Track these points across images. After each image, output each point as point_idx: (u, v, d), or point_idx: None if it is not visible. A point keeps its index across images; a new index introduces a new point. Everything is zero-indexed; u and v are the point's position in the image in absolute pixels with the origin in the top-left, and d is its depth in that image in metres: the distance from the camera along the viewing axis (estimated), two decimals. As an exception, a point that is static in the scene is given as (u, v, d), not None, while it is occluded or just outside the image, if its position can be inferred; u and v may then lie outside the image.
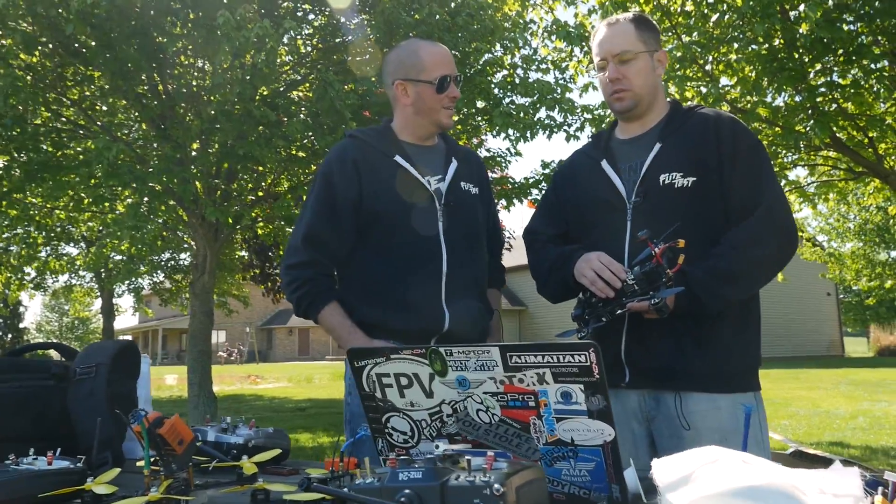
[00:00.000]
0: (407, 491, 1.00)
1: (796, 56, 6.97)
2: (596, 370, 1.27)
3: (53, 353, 2.20)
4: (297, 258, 2.35)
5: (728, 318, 2.02)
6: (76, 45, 7.03)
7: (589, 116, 8.44)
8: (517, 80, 8.63)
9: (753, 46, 6.84)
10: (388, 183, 2.32)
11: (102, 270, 18.13)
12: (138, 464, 1.47)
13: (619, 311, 1.93)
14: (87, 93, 8.21)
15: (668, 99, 2.28)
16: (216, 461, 1.71)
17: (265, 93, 7.56)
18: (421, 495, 0.99)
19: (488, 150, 10.25)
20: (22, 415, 1.70)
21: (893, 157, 8.92)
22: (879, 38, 7.22)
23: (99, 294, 22.06)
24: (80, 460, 1.39)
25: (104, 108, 8.73)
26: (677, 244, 1.82)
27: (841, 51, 6.86)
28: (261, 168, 8.69)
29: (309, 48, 8.99)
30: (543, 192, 2.61)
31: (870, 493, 1.08)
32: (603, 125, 8.14)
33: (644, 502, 1.36)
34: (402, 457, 1.09)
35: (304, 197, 9.26)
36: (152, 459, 1.33)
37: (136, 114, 8.39)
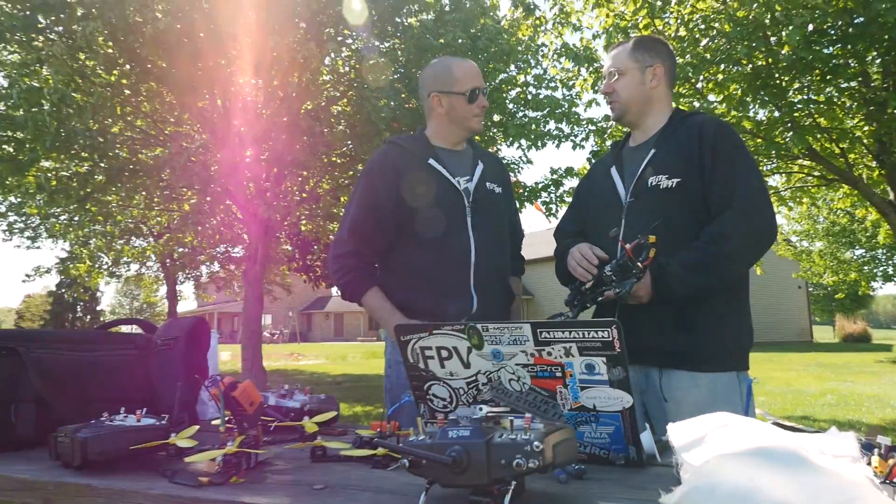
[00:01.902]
0: (456, 447, 0.99)
1: (776, 75, 6.88)
2: (617, 345, 1.25)
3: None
4: (343, 248, 2.35)
5: (709, 304, 1.95)
6: (149, 65, 7.09)
7: (593, 128, 8.38)
8: (529, 97, 8.58)
9: (738, 67, 6.76)
10: (423, 183, 2.32)
11: (168, 260, 18.29)
12: (214, 422, 1.48)
13: (599, 299, 1.94)
14: (158, 106, 8.28)
15: (674, 107, 2.25)
16: (277, 421, 1.71)
17: (309, 107, 7.57)
18: (469, 450, 0.98)
19: (503, 158, 10.22)
20: (112, 379, 1.71)
21: (861, 166, 8.79)
22: (851, 60, 7.11)
23: (164, 281, 22.27)
24: (165, 418, 1.39)
25: (172, 119, 8.81)
26: (647, 240, 1.79)
27: (818, 71, 6.76)
28: (305, 172, 8.71)
29: (347, 68, 9.00)
30: (567, 194, 2.64)
31: (865, 454, 1.06)
32: (605, 135, 8.10)
33: (659, 461, 1.35)
34: (450, 417, 1.08)
35: (342, 198, 9.34)
36: (227, 418, 1.33)
37: (199, 125, 8.45)
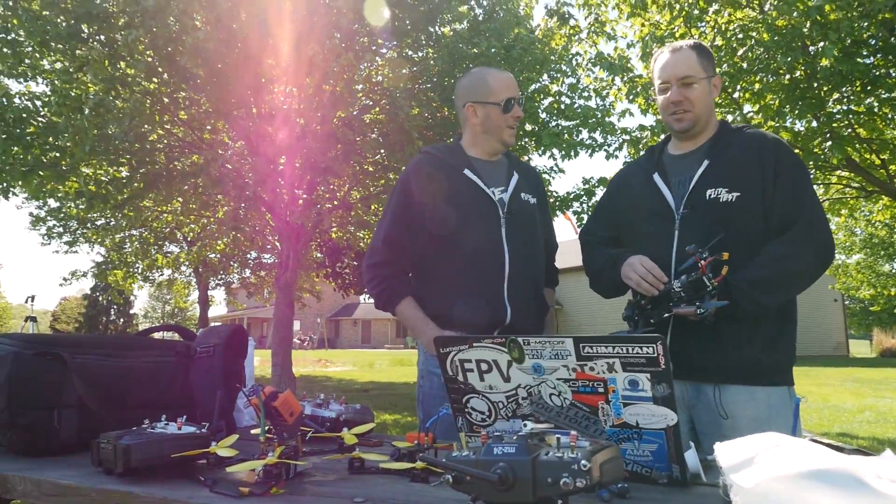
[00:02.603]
0: (501, 464, 0.97)
1: (815, 86, 6.75)
2: (662, 361, 1.23)
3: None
4: (377, 258, 2.35)
5: (766, 320, 1.95)
6: (188, 74, 7.22)
7: (627, 138, 8.29)
8: (562, 106, 8.54)
9: (777, 77, 6.64)
10: (457, 193, 2.31)
11: (200, 266, 18.56)
12: (254, 431, 1.48)
13: (665, 315, 1.89)
14: (195, 114, 8.43)
15: (718, 119, 2.21)
16: (313, 432, 1.71)
17: (343, 115, 7.63)
18: (514, 468, 0.96)
19: (534, 167, 10.19)
20: (152, 385, 1.73)
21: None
22: (892, 70, 6.94)
23: (196, 287, 22.61)
24: (205, 426, 1.40)
25: (208, 127, 8.96)
26: (721, 257, 1.77)
27: (858, 82, 6.61)
28: (337, 180, 8.79)
29: (381, 77, 9.07)
30: (600, 197, 2.53)
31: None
32: (640, 145, 8.01)
33: (703, 481, 1.31)
34: (494, 433, 1.06)
35: (373, 206, 9.39)
36: (267, 428, 1.34)
37: (234, 133, 8.58)
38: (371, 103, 9.17)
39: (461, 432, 1.48)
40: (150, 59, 6.88)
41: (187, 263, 16.39)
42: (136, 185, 7.97)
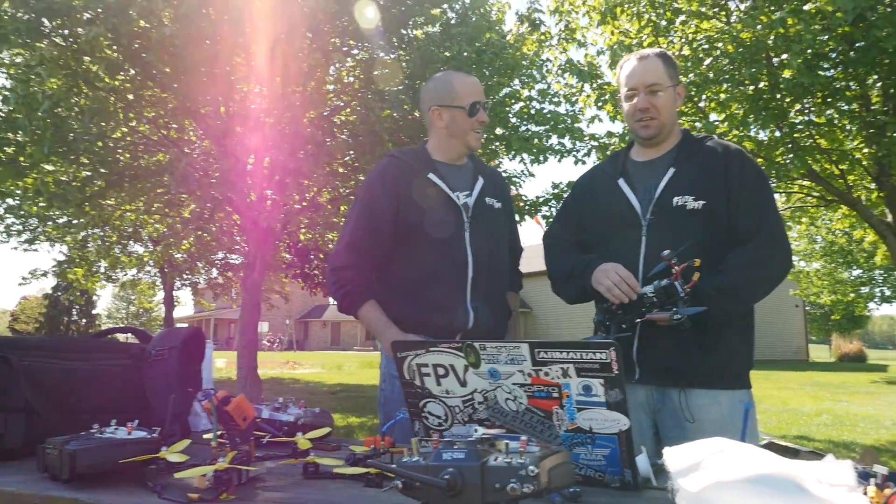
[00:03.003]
0: (450, 469, 0.97)
1: (778, 97, 6.91)
2: (615, 367, 1.24)
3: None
4: (341, 262, 2.34)
5: (729, 326, 2.00)
6: (154, 71, 7.09)
7: (595, 144, 8.38)
8: (532, 111, 8.60)
9: (741, 88, 6.78)
10: (421, 197, 2.31)
11: (165, 266, 18.22)
12: (205, 436, 1.46)
13: (638, 321, 1.92)
14: (161, 112, 8.28)
15: (681, 128, 2.25)
16: (270, 436, 1.69)
17: (313, 116, 7.57)
18: (463, 473, 0.96)
19: (504, 172, 10.23)
20: (104, 389, 1.69)
21: (860, 188, 8.81)
22: (851, 83, 7.14)
23: (161, 287, 22.19)
24: (156, 431, 1.38)
25: (174, 125, 8.81)
26: (693, 263, 1.81)
27: (819, 94, 6.79)
28: (307, 182, 8.71)
29: (352, 78, 9.02)
30: (563, 201, 2.54)
31: (862, 484, 1.04)
32: (608, 151, 8.10)
33: (654, 486, 1.33)
34: (445, 438, 1.07)
35: (343, 208, 9.33)
36: (219, 433, 1.32)
37: (201, 131, 8.45)
38: (342, 104, 9.12)
39: (414, 437, 1.48)
40: (114, 56, 6.74)
41: (152, 263, 16.08)
42: (97, 183, 7.79)
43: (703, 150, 2.10)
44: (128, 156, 8.30)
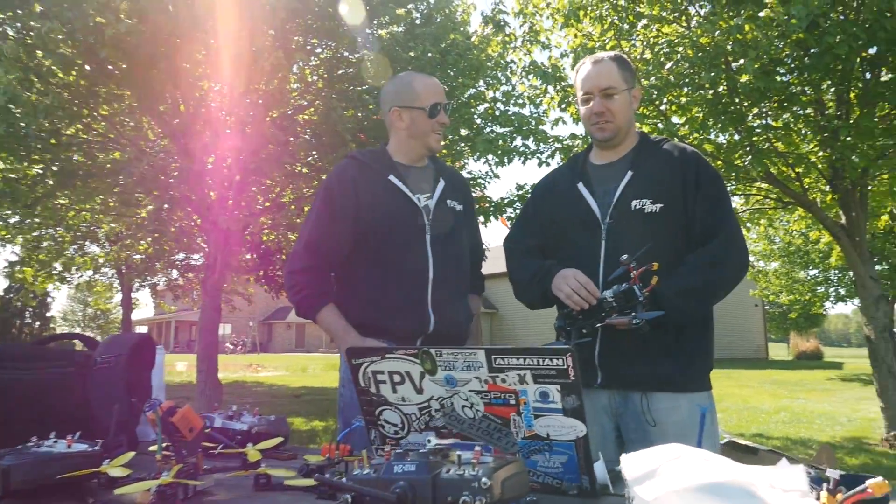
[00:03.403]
0: (401, 482, 0.95)
1: (737, 101, 7.05)
2: (572, 373, 1.23)
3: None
4: (298, 264, 2.30)
5: (689, 329, 2.02)
6: (109, 66, 6.91)
7: (559, 146, 8.43)
8: (497, 113, 8.62)
9: (701, 91, 6.90)
10: (382, 199, 2.28)
11: (123, 267, 17.79)
12: (151, 448, 1.41)
13: (598, 326, 1.92)
14: (117, 109, 8.06)
15: (638, 130, 2.26)
16: (222, 446, 1.64)
17: (275, 115, 7.47)
18: (414, 487, 0.94)
19: (469, 173, 10.24)
20: (45, 400, 1.62)
21: (816, 191, 9.05)
22: (806, 88, 7.33)
23: (119, 288, 21.64)
24: (98, 444, 1.32)
25: (131, 123, 8.59)
26: (651, 267, 1.81)
27: (776, 98, 6.95)
28: (269, 182, 8.58)
29: (315, 77, 8.92)
30: (523, 204, 2.55)
31: (814, 489, 1.05)
32: (571, 153, 8.17)
33: (611, 492, 1.32)
34: (396, 450, 1.04)
35: (305, 208, 9.23)
36: (164, 445, 1.27)
37: (160, 130, 8.26)
38: (305, 104, 9.02)
39: (366, 448, 1.45)
40: (68, 51, 6.54)
41: (108, 264, 15.68)
42: (49, 182, 7.54)
43: (660, 152, 2.11)
44: (82, 154, 8.06)
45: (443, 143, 2.43)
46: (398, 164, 2.37)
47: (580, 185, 2.16)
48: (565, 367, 1.24)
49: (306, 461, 1.44)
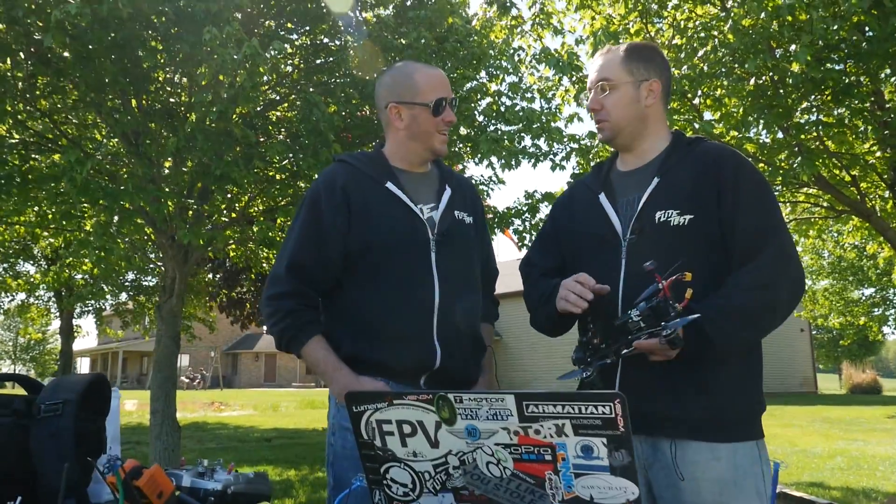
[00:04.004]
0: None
1: (782, 93, 7.07)
2: (621, 423, 1.20)
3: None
4: (279, 288, 2.27)
5: (728, 363, 1.95)
6: (50, 55, 6.88)
7: (575, 146, 8.44)
8: (502, 108, 8.63)
9: (740, 83, 6.92)
10: (378, 211, 2.27)
11: (63, 290, 17.73)
12: (110, 517, 1.36)
13: (625, 351, 1.84)
14: (59, 105, 8.03)
15: (672, 129, 2.24)
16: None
17: (243, 111, 7.46)
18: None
19: (470, 178, 10.25)
20: (-21, 456, 1.57)
21: (874, 197, 9.09)
22: (862, 78, 7.38)
23: (58, 314, 21.55)
24: (45, 512, 1.27)
25: (75, 121, 8.55)
26: (684, 277, 1.76)
27: (829, 91, 6.97)
28: (235, 189, 8.55)
29: (290, 68, 8.93)
30: (543, 223, 2.54)
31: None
32: (591, 155, 8.18)
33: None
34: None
35: (279, 220, 9.21)
36: (127, 513, 1.22)
37: (108, 129, 8.23)
38: (278, 98, 9.01)
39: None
40: (2, 36, 6.52)
41: (45, 286, 15.60)
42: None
43: (693, 155, 2.09)
44: (16, 157, 8.02)
45: (446, 147, 2.40)
46: (397, 169, 2.36)
47: (601, 197, 2.15)
48: (613, 415, 1.20)
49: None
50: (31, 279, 14.69)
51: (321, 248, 2.25)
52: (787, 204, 9.97)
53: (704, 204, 1.98)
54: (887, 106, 7.58)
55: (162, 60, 7.12)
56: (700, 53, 6.85)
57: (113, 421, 1.99)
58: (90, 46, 6.54)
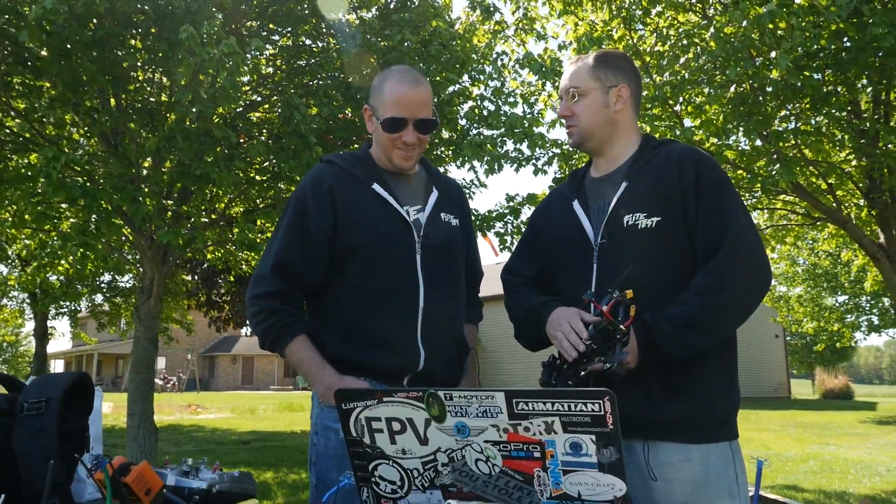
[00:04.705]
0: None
1: (761, 101, 7.15)
2: (610, 420, 1.21)
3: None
4: (264, 288, 2.25)
5: (699, 364, 1.96)
6: (27, 53, 6.80)
7: (558, 151, 8.47)
8: (485, 113, 8.65)
9: (720, 91, 6.97)
10: (364, 212, 2.26)
11: (37, 291, 17.47)
12: (96, 514, 1.35)
13: (582, 374, 1.84)
14: (35, 104, 7.93)
15: (643, 133, 2.27)
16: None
17: (223, 112, 7.41)
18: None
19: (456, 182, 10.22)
20: (-40, 455, 1.55)
21: (850, 205, 9.22)
22: (839, 87, 7.48)
23: (31, 316, 21.22)
24: (30, 509, 1.25)
25: (52, 120, 8.45)
26: (624, 297, 1.78)
27: (807, 99, 7.05)
28: (217, 190, 8.49)
29: (271, 69, 8.89)
30: (523, 230, 2.56)
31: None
32: (573, 161, 8.22)
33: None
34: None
35: (259, 222, 9.15)
36: (115, 510, 1.21)
37: (86, 129, 8.14)
38: (260, 99, 8.97)
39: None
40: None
41: (19, 287, 15.36)
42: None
43: (658, 157, 2.12)
44: (-8, 156, 7.92)
45: (411, 163, 2.35)
46: (384, 170, 2.34)
47: (574, 203, 2.17)
48: (602, 412, 1.21)
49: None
50: (6, 280, 14.45)
51: (307, 248, 2.24)
52: (766, 211, 10.09)
53: (670, 206, 2.00)
54: (864, 115, 7.69)
55: (141, 60, 7.05)
56: (682, 60, 6.90)
57: (95, 421, 1.96)
58: (67, 45, 6.47)
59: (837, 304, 28.08)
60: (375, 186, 2.28)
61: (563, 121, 2.22)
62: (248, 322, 2.68)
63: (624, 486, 1.24)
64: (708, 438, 1.95)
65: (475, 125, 8.74)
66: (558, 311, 1.95)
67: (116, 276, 16.68)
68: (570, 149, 8.34)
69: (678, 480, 1.91)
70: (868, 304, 26.87)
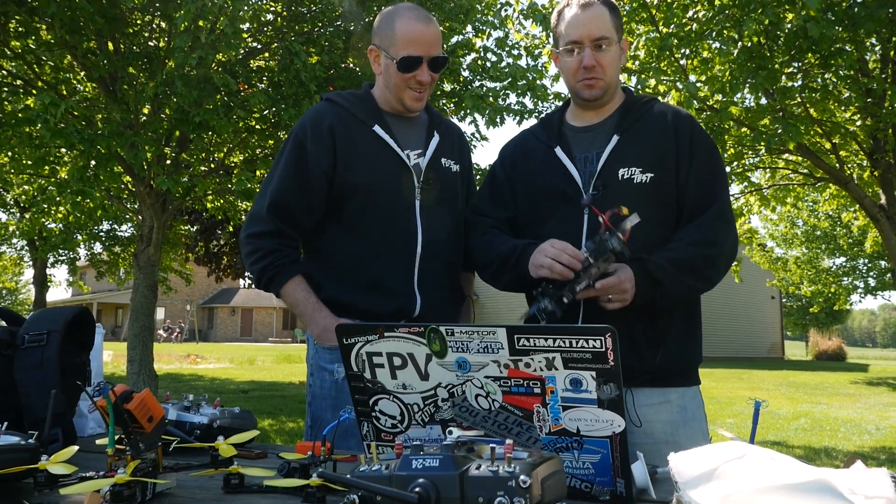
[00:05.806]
0: (421, 480, 0.91)
1: (769, 56, 7.00)
2: (611, 356, 1.21)
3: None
4: (260, 227, 2.22)
5: (677, 318, 2.06)
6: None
7: (561, 104, 8.37)
8: (488, 65, 8.54)
9: (731, 43, 6.81)
10: (364, 154, 2.22)
11: (36, 238, 17.46)
12: (98, 442, 1.35)
13: (579, 288, 1.83)
14: (32, 46, 7.81)
15: (623, 86, 2.24)
16: (177, 442, 1.60)
17: (222, 58, 7.30)
18: (438, 485, 0.90)
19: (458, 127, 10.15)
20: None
21: (853, 165, 9.16)
22: (848, 46, 7.34)
23: (31, 263, 21.25)
24: (32, 436, 1.26)
25: (50, 63, 8.34)
26: (620, 211, 1.79)
27: (817, 55, 6.90)
28: (216, 138, 8.42)
29: (271, 16, 8.74)
30: (490, 169, 2.45)
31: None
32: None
33: (652, 498, 1.31)
34: (413, 442, 1.00)
35: (259, 171, 9.10)
36: (117, 438, 1.21)
37: (83, 73, 8.04)
38: (260, 46, 8.83)
39: (367, 441, 1.41)
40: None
41: (19, 234, 15.35)
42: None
43: (650, 115, 2.11)
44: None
45: (422, 104, 2.30)
46: (386, 112, 2.30)
47: (558, 150, 2.12)
48: (604, 349, 1.21)
49: (285, 459, 1.40)
50: (5, 226, 14.44)
51: (304, 189, 2.20)
52: (767, 170, 10.02)
53: (664, 164, 2.04)
54: (871, 74, 7.59)
55: (139, 2, 6.92)
56: (690, 13, 6.77)
57: (96, 356, 1.97)
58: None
59: (835, 267, 28.08)
60: (377, 128, 2.24)
61: (584, 72, 2.07)
62: (243, 261, 2.63)
63: (622, 421, 1.24)
64: (682, 383, 2.08)
65: (478, 77, 8.63)
66: (544, 244, 1.92)
67: (115, 225, 16.65)
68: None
69: (658, 421, 2.00)
70: (865, 268, 26.91)
